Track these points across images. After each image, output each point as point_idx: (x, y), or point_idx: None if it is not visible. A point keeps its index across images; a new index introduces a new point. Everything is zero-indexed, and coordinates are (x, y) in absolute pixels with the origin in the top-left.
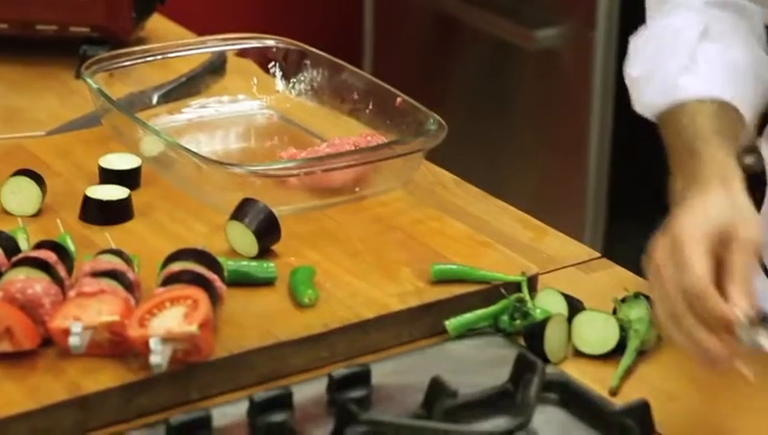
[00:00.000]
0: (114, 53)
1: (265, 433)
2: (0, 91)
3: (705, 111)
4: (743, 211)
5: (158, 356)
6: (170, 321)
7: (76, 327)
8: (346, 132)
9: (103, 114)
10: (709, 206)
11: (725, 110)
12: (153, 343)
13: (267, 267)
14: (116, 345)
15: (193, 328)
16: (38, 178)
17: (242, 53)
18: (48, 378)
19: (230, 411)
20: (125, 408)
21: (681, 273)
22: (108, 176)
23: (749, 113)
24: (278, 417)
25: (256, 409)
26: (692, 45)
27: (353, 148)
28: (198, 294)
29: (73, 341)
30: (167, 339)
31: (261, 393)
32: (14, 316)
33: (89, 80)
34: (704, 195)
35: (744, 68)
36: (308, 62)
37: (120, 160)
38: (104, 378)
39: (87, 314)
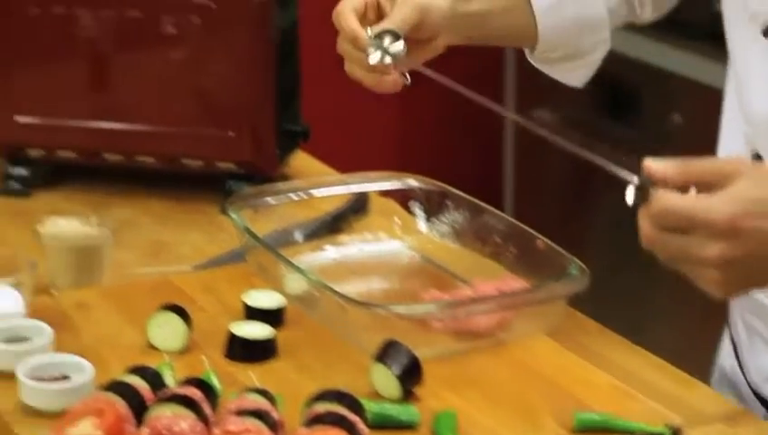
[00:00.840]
0: (259, 189)
1: None
2: (147, 225)
3: None
4: None
5: None
6: None
7: None
8: (487, 275)
9: (248, 250)
10: None
11: None
12: None
13: (410, 411)
14: None
15: None
16: (184, 314)
17: (384, 193)
18: None
19: None
20: None
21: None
22: (252, 313)
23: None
24: None
25: None
26: None
27: (496, 292)
28: None
29: None
30: None
31: None
32: None
33: (234, 216)
34: None
35: None
36: (449, 203)
37: (264, 297)
38: None
39: None
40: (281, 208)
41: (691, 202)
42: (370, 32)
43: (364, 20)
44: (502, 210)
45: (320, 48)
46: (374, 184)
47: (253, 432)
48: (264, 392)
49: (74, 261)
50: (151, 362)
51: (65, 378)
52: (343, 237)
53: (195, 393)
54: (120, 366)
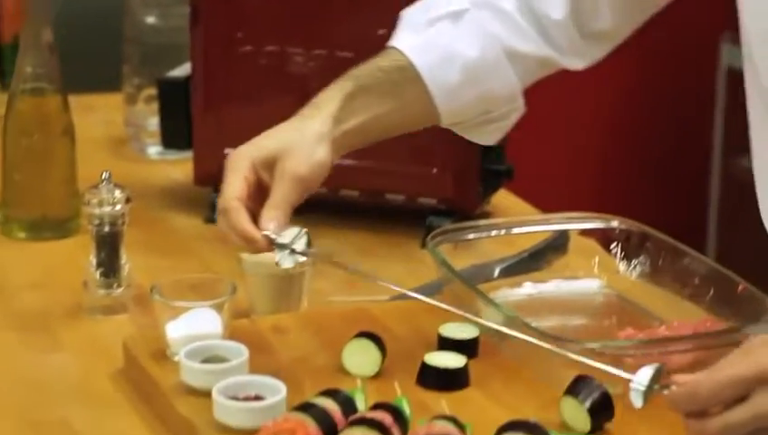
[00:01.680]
0: (459, 225)
1: None
2: (347, 256)
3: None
4: (298, 142)
5: None
6: None
7: None
8: (685, 317)
9: (445, 284)
10: (270, 132)
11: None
12: None
13: None
14: None
15: None
16: (379, 341)
17: (585, 233)
18: None
19: None
20: None
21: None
22: (447, 344)
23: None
24: None
25: None
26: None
27: (692, 332)
28: None
29: None
30: None
31: None
32: None
33: (434, 250)
34: (279, 126)
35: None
36: (650, 244)
37: (460, 330)
38: None
39: None
40: (480, 244)
41: (729, 368)
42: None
43: (249, 200)
44: (704, 252)
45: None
46: (575, 223)
47: None
48: (453, 420)
49: (274, 288)
50: (344, 387)
51: (259, 398)
52: (542, 274)
53: (385, 418)
54: (312, 389)
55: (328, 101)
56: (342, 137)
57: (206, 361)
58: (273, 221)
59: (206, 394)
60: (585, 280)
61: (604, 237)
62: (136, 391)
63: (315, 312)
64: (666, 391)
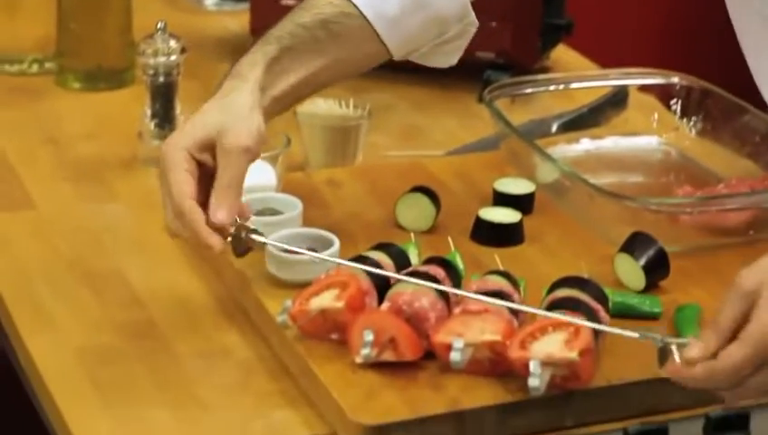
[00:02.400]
0: (517, 79)
1: None
2: (403, 111)
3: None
4: (232, 116)
5: (537, 379)
6: (552, 346)
7: (458, 343)
8: (744, 174)
9: (502, 139)
10: (197, 118)
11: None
12: (533, 366)
13: (653, 302)
14: (495, 365)
15: (573, 355)
16: (433, 196)
17: (644, 88)
18: (427, 391)
19: None
20: (499, 428)
21: (169, 196)
22: (502, 199)
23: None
24: None
25: None
26: None
27: (750, 190)
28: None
29: (454, 356)
30: (546, 363)
31: (636, 427)
32: (399, 327)
33: (491, 104)
34: (203, 108)
35: None
36: (710, 101)
37: (515, 185)
38: (481, 396)
39: (470, 331)
40: (538, 99)
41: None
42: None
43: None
44: (765, 111)
45: None
46: (635, 79)
47: (492, 313)
48: (506, 275)
49: (329, 141)
50: (398, 241)
51: (312, 250)
52: (600, 131)
53: (438, 272)
54: (366, 243)
55: (251, 69)
56: (271, 104)
57: (260, 213)
58: (221, 208)
59: (260, 247)
60: (643, 136)
61: (664, 94)
62: (189, 244)
63: (370, 166)
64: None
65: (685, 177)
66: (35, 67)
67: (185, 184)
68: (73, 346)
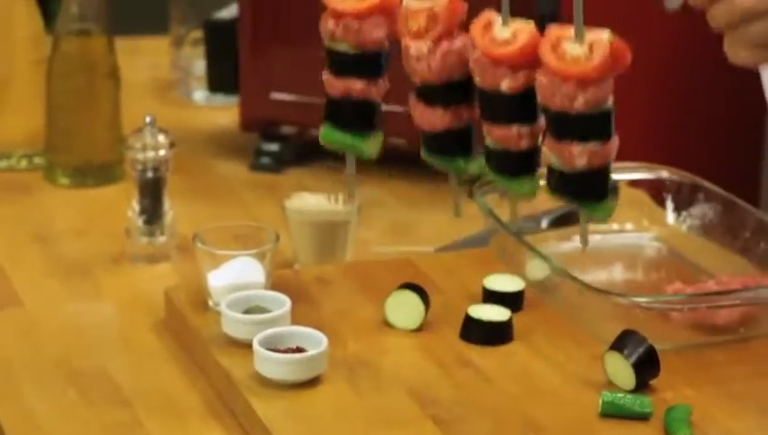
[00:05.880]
0: None
1: None
2: (392, 206)
3: None
4: None
5: None
6: None
7: None
8: (735, 270)
9: (492, 235)
10: None
11: None
12: None
13: (644, 402)
14: None
15: None
16: (423, 294)
17: (634, 183)
18: None
19: None
20: None
21: None
22: (491, 296)
23: None
24: None
25: None
26: None
27: (741, 286)
28: None
29: None
30: None
31: None
32: None
33: (480, 200)
34: None
35: None
36: (701, 196)
37: (505, 282)
38: None
39: None
40: None
41: None
42: None
43: None
44: (757, 205)
45: None
46: (624, 174)
47: None
48: None
49: (318, 237)
50: (387, 340)
51: (300, 350)
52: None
53: None
54: (355, 341)
55: None
56: None
57: (247, 311)
58: None
59: (247, 345)
60: (634, 233)
61: (653, 189)
62: (177, 341)
63: (359, 262)
64: None
65: (675, 273)
66: (24, 163)
67: None
68: None
